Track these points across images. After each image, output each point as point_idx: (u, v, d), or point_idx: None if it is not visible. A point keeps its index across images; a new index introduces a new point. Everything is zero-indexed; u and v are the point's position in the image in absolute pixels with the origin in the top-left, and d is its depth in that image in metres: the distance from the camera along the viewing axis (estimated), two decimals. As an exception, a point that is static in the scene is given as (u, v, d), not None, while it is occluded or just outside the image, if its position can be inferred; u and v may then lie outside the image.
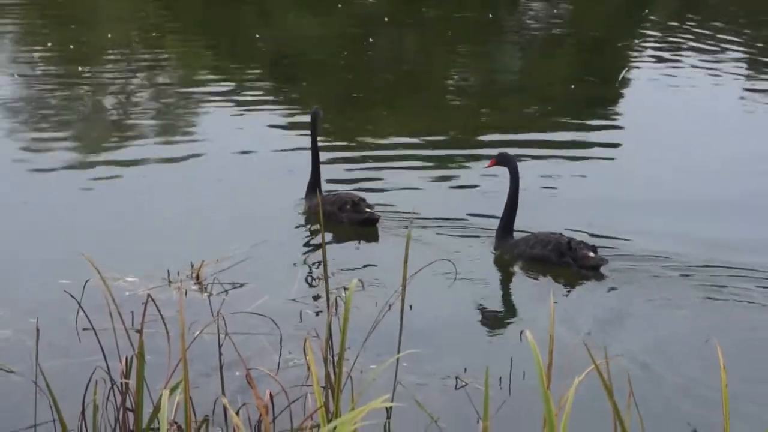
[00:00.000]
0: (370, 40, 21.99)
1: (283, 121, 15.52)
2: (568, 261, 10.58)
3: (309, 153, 12.30)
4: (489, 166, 11.52)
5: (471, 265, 10.42)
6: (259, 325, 8.42)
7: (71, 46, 20.31)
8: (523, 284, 10.32)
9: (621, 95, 18.31)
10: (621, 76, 19.06)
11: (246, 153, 14.03)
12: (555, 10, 26.86)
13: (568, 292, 10.06)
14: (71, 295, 7.31)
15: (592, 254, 10.60)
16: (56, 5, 24.78)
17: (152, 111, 16.20)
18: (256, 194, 12.65)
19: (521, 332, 7.78)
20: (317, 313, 9.09)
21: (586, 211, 12.11)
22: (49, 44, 20.61)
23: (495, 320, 9.53)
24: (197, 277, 9.68)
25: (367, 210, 11.78)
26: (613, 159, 14.40)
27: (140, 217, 11.62)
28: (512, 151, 14.08)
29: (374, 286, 9.56)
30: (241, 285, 9.62)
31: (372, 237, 11.54)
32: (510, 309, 9.81)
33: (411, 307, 7.98)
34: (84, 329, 8.26)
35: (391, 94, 17.67)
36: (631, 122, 16.29)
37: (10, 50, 19.96)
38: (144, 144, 14.32)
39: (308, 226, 11.75)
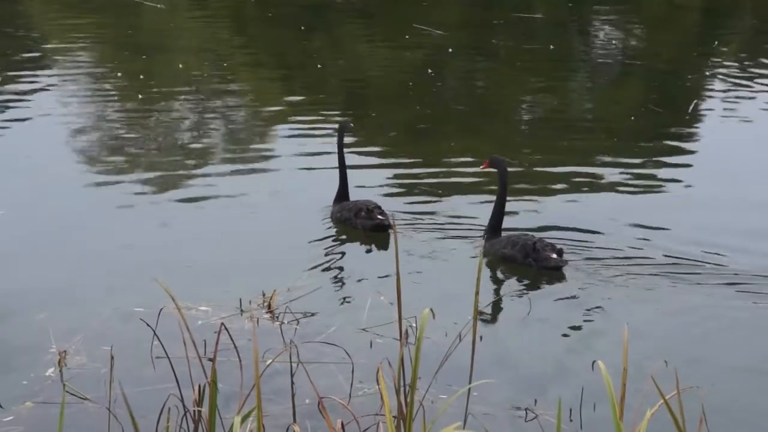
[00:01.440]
0: (436, 70, 22.03)
1: (354, 150, 15.56)
2: (531, 261, 11.27)
3: (338, 165, 12.99)
4: (483, 168, 12.09)
5: (540, 297, 10.40)
6: (330, 353, 8.46)
7: (141, 76, 20.55)
8: (589, 313, 10.24)
9: (690, 127, 18.17)
10: (691, 107, 18.93)
11: (315, 181, 14.10)
12: (624, 40, 26.78)
13: (639, 320, 9.99)
14: (146, 323, 7.39)
15: (554, 256, 11.22)
16: (126, 36, 25.08)
17: (222, 140, 16.34)
18: (326, 222, 12.76)
19: (593, 362, 7.77)
20: (388, 342, 9.09)
21: (656, 240, 12.04)
22: (119, 74, 20.87)
23: (566, 349, 9.47)
24: (269, 306, 9.74)
25: (379, 217, 12.41)
26: (681, 189, 14.26)
27: (212, 246, 11.70)
28: (581, 181, 14.11)
29: (445, 315, 9.55)
30: (312, 314, 9.67)
31: (383, 245, 12.13)
32: (581, 338, 9.72)
33: (481, 338, 7.99)
34: (157, 357, 8.35)
35: (460, 124, 17.67)
36: (700, 154, 16.13)
37: (82, 81, 20.22)
38: (214, 173, 14.43)
39: (377, 255, 11.79)
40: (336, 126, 13.91)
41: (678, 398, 4.93)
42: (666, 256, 11.51)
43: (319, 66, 22.31)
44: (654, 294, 10.58)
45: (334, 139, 13.80)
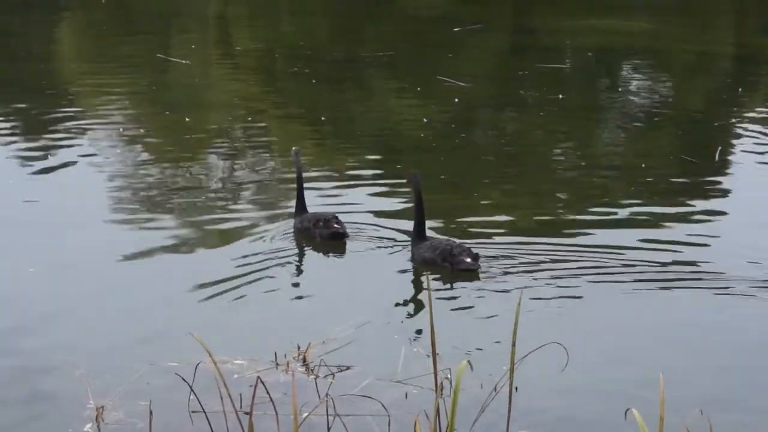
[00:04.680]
0: (463, 121, 22.11)
1: (384, 202, 15.60)
2: (447, 264, 12.46)
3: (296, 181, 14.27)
4: (406, 184, 13.48)
5: (580, 345, 10.40)
6: (366, 406, 8.48)
7: (171, 131, 20.71)
8: (626, 363, 10.22)
9: (720, 174, 18.16)
10: (717, 154, 18.92)
11: (349, 231, 14.16)
12: (652, 89, 26.83)
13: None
14: (182, 378, 7.44)
15: (468, 259, 12.42)
16: (154, 92, 25.29)
17: (253, 193, 16.40)
18: (358, 273, 12.85)
19: (626, 410, 7.76)
20: (423, 393, 9.10)
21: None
22: (150, 130, 21.03)
23: (598, 397, 9.46)
24: (304, 359, 9.78)
25: (335, 225, 13.52)
26: (713, 237, 14.23)
27: (245, 299, 11.75)
28: (616, 230, 14.09)
29: (481, 363, 9.55)
30: (348, 367, 9.69)
31: (341, 251, 13.46)
32: (615, 387, 9.70)
33: (517, 389, 7.97)
34: (194, 411, 8.39)
35: (491, 176, 17.70)
36: (731, 201, 16.14)
37: (113, 137, 20.37)
38: (247, 224, 14.50)
39: (408, 304, 11.84)
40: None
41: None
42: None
43: (347, 118, 22.44)
44: (689, 341, 10.59)
45: (363, 190, 14.09)
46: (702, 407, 8.52)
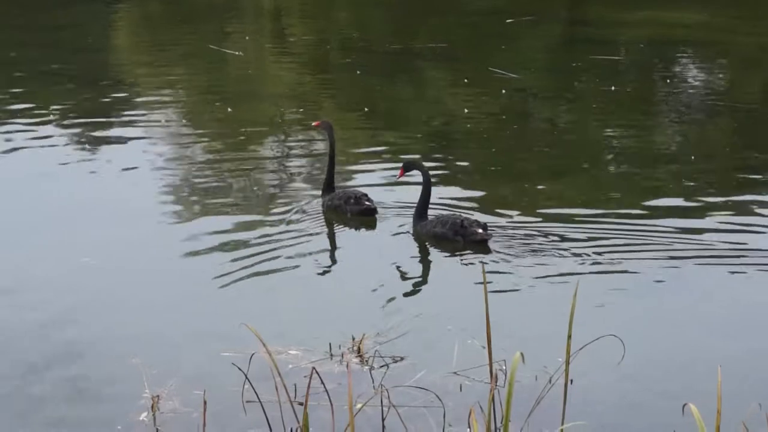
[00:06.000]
0: (516, 113, 22.02)
1: (442, 193, 15.56)
2: (459, 237, 12.91)
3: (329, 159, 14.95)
4: (400, 176, 14.09)
5: (634, 337, 10.35)
6: (421, 397, 8.49)
7: (227, 123, 20.78)
8: (683, 354, 10.14)
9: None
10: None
11: (399, 220, 14.19)
12: (708, 81, 26.62)
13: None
14: (238, 368, 7.48)
15: (480, 230, 12.89)
16: (208, 83, 25.39)
17: (309, 184, 16.37)
18: (413, 266, 12.86)
19: (684, 405, 7.72)
20: (478, 385, 9.09)
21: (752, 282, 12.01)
22: (205, 121, 21.13)
23: (654, 390, 9.40)
24: (358, 350, 9.79)
25: (366, 203, 14.13)
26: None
27: (300, 290, 11.79)
28: (670, 220, 13.98)
29: (535, 354, 9.51)
30: (402, 358, 9.70)
31: (371, 226, 14.02)
32: (671, 379, 9.64)
33: (572, 381, 7.97)
34: (248, 402, 8.43)
35: (544, 166, 17.62)
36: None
37: (169, 128, 20.47)
38: (306, 219, 14.51)
39: (458, 292, 11.80)
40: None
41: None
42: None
43: (398, 109, 22.44)
44: (748, 332, 10.52)
45: (413, 179, 14.28)
46: (760, 401, 8.47)
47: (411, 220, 13.82)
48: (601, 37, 31.98)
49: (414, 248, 13.37)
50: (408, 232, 13.72)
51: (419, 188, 13.76)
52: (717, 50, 30.67)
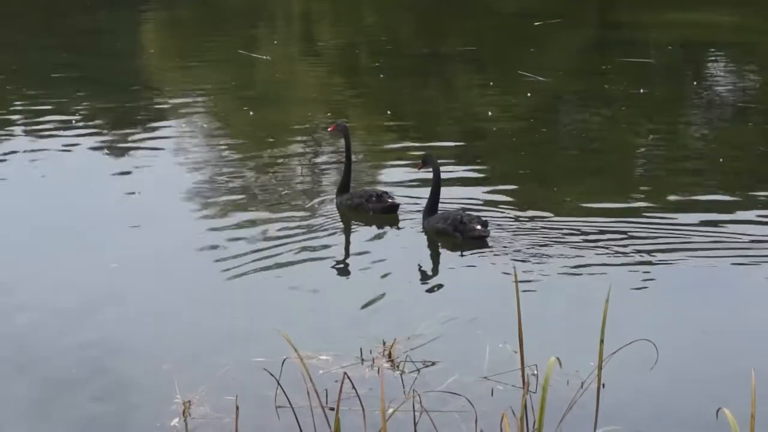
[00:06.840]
0: (545, 116, 21.97)
1: (470, 193, 15.52)
2: (457, 233, 13.22)
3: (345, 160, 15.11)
4: (418, 169, 14.56)
5: (665, 339, 10.30)
6: (453, 402, 8.46)
7: (256, 127, 20.82)
8: (716, 357, 10.08)
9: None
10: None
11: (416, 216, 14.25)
12: (739, 83, 26.47)
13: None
14: (270, 373, 7.47)
15: (479, 227, 13.16)
16: (235, 87, 25.42)
17: (335, 184, 16.32)
18: (443, 269, 12.82)
19: (718, 409, 7.67)
20: (509, 390, 9.06)
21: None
22: (232, 124, 21.18)
23: (688, 394, 9.34)
24: (389, 355, 9.77)
25: (389, 200, 14.34)
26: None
27: (331, 294, 11.78)
28: (702, 225, 13.90)
29: (566, 359, 9.46)
30: (433, 363, 9.67)
31: (393, 223, 14.20)
32: (705, 383, 9.57)
33: (604, 385, 7.91)
34: (279, 407, 8.43)
35: (573, 169, 17.57)
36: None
37: (197, 130, 20.53)
38: (332, 220, 14.51)
39: (489, 296, 11.75)
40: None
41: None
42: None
43: (427, 112, 22.42)
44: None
45: (446, 188, 14.28)
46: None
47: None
48: (630, 40, 31.91)
49: (436, 247, 13.48)
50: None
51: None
52: (747, 52, 30.54)
